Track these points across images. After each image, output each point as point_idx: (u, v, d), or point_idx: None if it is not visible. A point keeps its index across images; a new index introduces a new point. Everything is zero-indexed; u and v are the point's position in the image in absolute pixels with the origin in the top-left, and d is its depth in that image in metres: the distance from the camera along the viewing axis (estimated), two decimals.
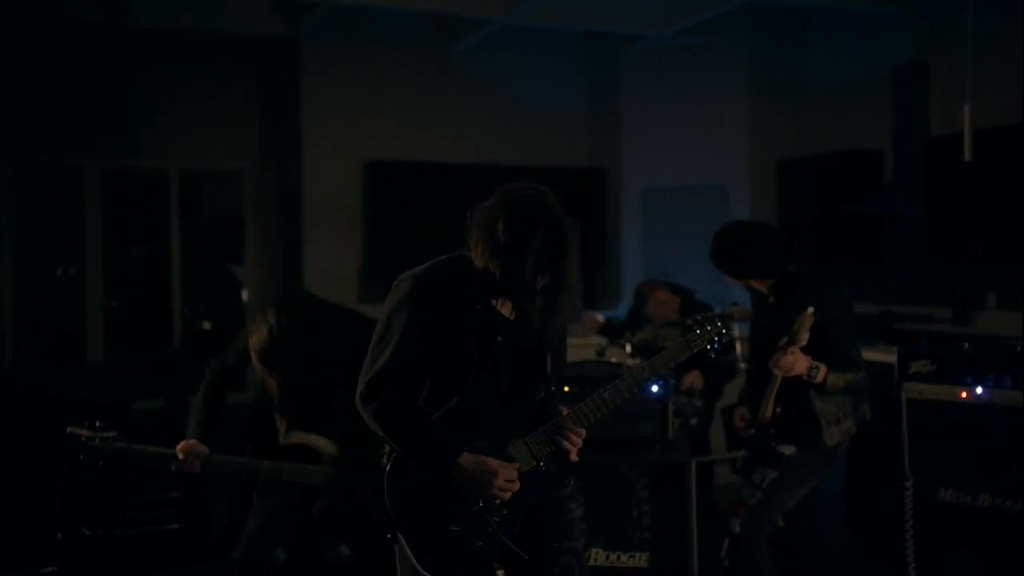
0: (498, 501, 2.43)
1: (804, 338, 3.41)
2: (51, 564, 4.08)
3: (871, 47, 8.09)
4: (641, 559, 4.00)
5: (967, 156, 4.81)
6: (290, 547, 3.67)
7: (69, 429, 3.26)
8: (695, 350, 2.75)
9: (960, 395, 3.81)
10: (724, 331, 2.78)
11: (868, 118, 8.04)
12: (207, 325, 9.17)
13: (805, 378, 3.54)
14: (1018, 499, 3.64)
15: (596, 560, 3.99)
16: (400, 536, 2.46)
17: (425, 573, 2.43)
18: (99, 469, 3.27)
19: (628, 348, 5.06)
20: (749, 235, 3.84)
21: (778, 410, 3.68)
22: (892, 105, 7.72)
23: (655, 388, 4.02)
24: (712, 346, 2.77)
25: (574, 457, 2.53)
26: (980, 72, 6.03)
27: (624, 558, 4.01)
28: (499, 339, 2.47)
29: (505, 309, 2.51)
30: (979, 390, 3.77)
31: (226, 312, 9.16)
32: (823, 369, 3.52)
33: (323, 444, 3.40)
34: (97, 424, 3.29)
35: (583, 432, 2.54)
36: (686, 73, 8.91)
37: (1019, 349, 3.79)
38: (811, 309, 3.42)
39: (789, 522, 3.90)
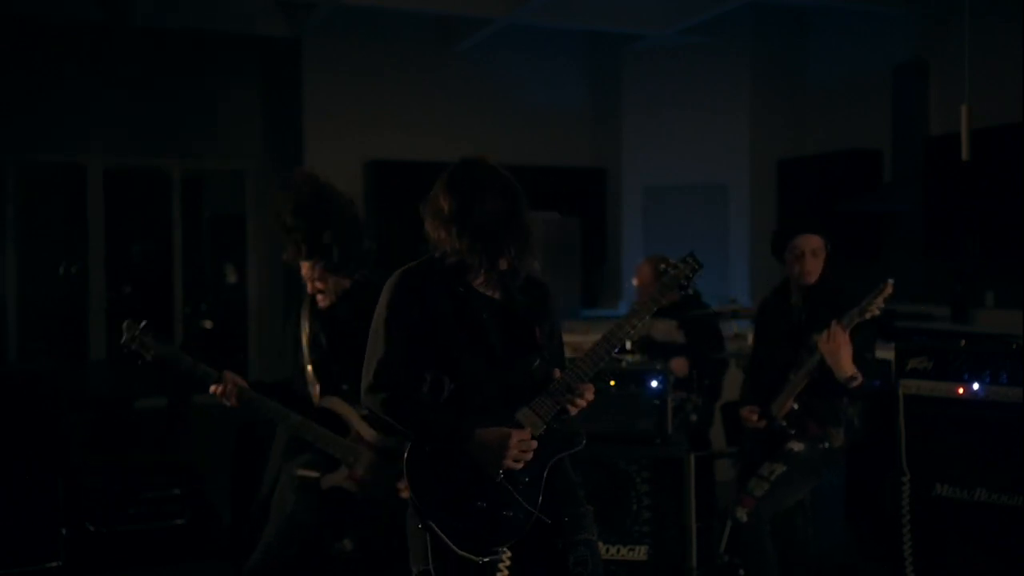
0: (520, 464, 2.47)
1: (876, 309, 3.59)
2: (55, 559, 4.10)
3: (871, 47, 8.12)
4: (640, 552, 4.03)
5: (965, 156, 4.83)
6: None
7: (127, 322, 3.39)
8: (666, 293, 2.74)
9: (957, 391, 3.84)
10: (695, 267, 2.76)
11: (868, 118, 8.06)
12: (208, 324, 9.20)
13: (842, 380, 3.60)
14: (1014, 494, 3.68)
15: None
16: (431, 523, 2.47)
17: (463, 553, 2.45)
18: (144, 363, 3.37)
19: (628, 344, 5.09)
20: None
21: (795, 407, 3.76)
22: (892, 105, 7.75)
23: (654, 384, 4.05)
24: (683, 282, 2.76)
25: (573, 411, 2.57)
26: (979, 72, 6.05)
27: (624, 551, 4.04)
28: (484, 316, 2.53)
29: (490, 291, 2.57)
30: (976, 386, 3.80)
31: (228, 311, 9.20)
32: (860, 378, 3.60)
33: (355, 419, 3.46)
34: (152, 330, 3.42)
35: (586, 387, 2.56)
36: (686, 73, 8.93)
37: (1015, 346, 3.83)
38: (891, 280, 3.54)
39: (787, 515, 3.94)
